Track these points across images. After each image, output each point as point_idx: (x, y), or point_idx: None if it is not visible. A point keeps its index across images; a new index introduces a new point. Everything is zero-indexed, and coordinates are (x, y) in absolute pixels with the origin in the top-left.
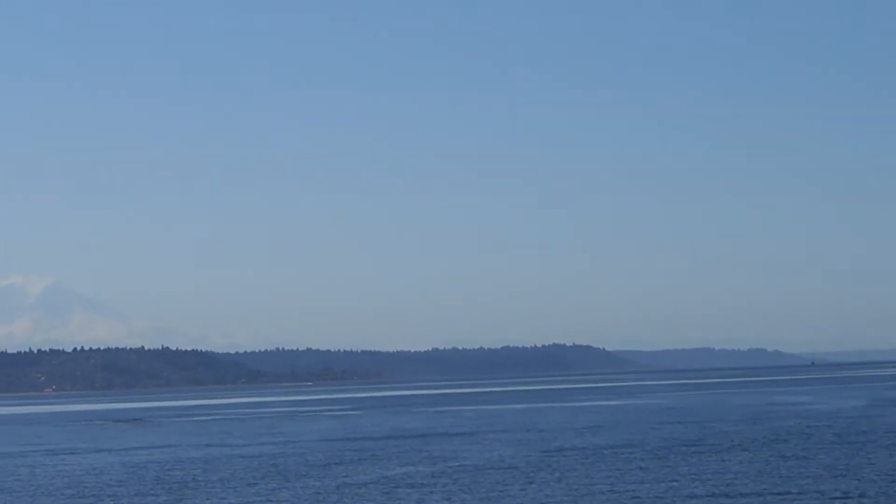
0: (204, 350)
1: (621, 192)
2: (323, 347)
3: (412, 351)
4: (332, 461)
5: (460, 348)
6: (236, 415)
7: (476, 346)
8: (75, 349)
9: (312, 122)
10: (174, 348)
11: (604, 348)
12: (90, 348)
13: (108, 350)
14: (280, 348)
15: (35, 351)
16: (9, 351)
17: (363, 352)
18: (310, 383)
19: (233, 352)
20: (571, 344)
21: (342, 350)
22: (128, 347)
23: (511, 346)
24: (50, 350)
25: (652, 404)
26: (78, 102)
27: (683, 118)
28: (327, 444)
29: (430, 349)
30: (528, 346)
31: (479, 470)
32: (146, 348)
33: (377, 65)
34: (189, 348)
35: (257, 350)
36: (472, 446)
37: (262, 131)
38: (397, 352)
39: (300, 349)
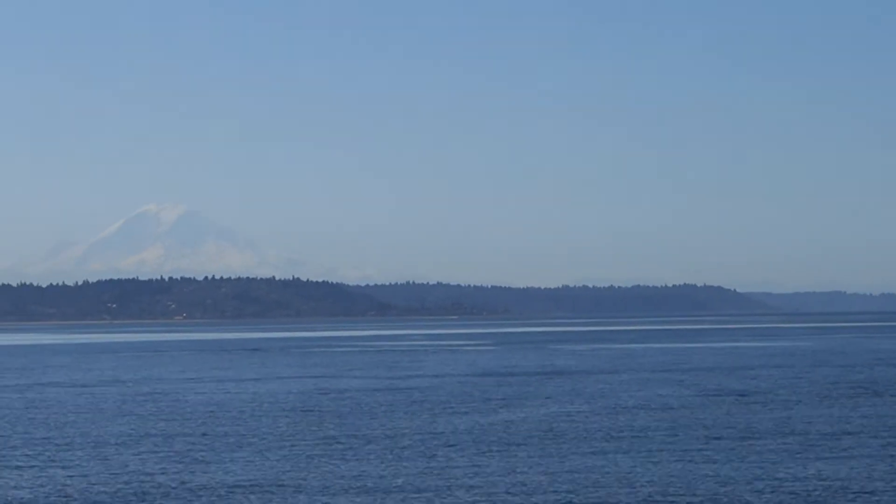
0: (334, 282)
1: (750, 134)
2: (453, 282)
3: (542, 288)
4: (484, 396)
5: (590, 286)
6: (374, 347)
7: (606, 285)
8: (206, 278)
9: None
10: (305, 279)
11: (735, 289)
12: (221, 277)
13: (239, 280)
14: (410, 282)
15: (166, 279)
16: (140, 278)
17: (493, 287)
18: (455, 317)
19: (363, 284)
20: (702, 284)
21: (472, 285)
22: (259, 277)
23: (641, 284)
24: (181, 278)
25: (796, 346)
26: (196, 44)
27: (797, 65)
28: (474, 380)
29: (560, 286)
30: (659, 286)
31: (637, 410)
32: (277, 278)
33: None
34: (320, 280)
35: (387, 283)
36: (623, 385)
37: (403, 71)
38: (527, 288)
39: (430, 283)
